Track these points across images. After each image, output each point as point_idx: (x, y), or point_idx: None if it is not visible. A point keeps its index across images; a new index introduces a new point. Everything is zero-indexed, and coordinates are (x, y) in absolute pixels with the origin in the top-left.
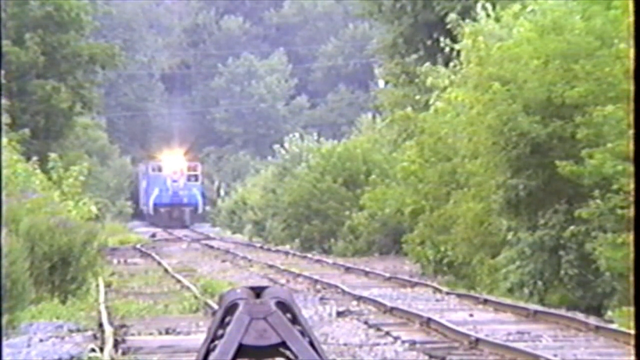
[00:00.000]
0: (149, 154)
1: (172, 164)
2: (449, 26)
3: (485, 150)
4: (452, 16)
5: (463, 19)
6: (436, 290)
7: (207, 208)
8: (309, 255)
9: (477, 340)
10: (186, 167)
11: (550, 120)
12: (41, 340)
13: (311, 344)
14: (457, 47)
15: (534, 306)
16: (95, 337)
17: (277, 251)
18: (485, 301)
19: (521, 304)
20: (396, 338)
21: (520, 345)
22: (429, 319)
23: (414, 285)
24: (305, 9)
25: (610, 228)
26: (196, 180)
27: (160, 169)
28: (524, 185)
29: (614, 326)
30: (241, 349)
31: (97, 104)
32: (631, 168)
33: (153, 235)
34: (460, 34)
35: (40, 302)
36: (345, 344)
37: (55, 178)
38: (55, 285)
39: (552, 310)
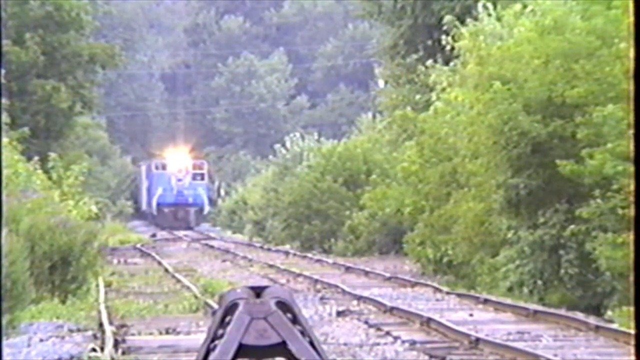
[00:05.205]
0: (152, 152)
1: (177, 162)
2: (445, 27)
3: (486, 150)
4: (448, 18)
5: (463, 19)
6: (436, 290)
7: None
8: (309, 255)
9: (477, 340)
10: (191, 165)
11: (551, 119)
12: (41, 340)
13: (311, 343)
14: (457, 44)
15: (534, 306)
16: (95, 337)
17: (278, 251)
18: (486, 301)
19: (521, 303)
20: (396, 338)
21: (520, 345)
22: (429, 319)
23: (414, 285)
24: (305, 9)
25: (610, 228)
26: (202, 179)
27: (164, 167)
28: (524, 184)
29: (614, 326)
30: (241, 349)
31: (97, 103)
32: (631, 168)
33: (153, 235)
34: (457, 34)
35: (41, 302)
36: (345, 344)
37: (55, 178)
38: (55, 285)
39: (552, 310)
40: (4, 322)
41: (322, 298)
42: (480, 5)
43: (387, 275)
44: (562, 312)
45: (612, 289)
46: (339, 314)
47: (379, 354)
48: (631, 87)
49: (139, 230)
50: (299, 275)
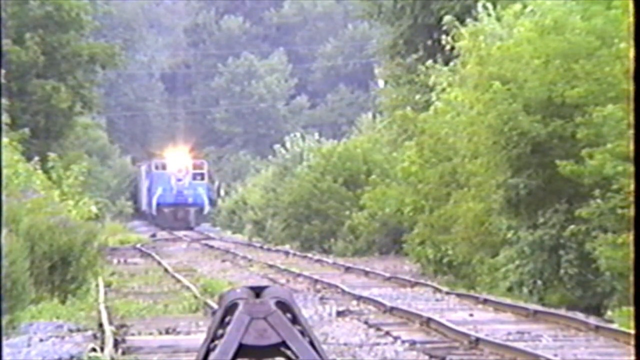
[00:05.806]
0: (152, 152)
1: (177, 162)
2: (444, 27)
3: (486, 150)
4: (448, 18)
5: (463, 19)
6: (436, 290)
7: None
8: (309, 255)
9: (477, 340)
10: (191, 165)
11: (551, 119)
12: (41, 340)
13: (311, 343)
14: (457, 44)
15: (534, 306)
16: (95, 336)
17: (277, 251)
18: (485, 301)
19: (521, 303)
20: (396, 338)
21: (520, 345)
22: (429, 319)
23: (413, 285)
24: (305, 9)
25: (610, 228)
26: (202, 178)
27: (164, 167)
28: (524, 184)
29: (614, 326)
30: (241, 349)
31: (97, 103)
32: (631, 168)
33: (153, 235)
34: (457, 34)
35: (40, 302)
36: (345, 344)
37: (55, 178)
38: (55, 285)
39: (552, 310)
40: (4, 322)
41: (322, 298)
42: (480, 5)
43: (387, 275)
44: (562, 312)
45: (612, 289)
46: (338, 314)
47: (378, 354)
48: (631, 87)
49: (139, 230)
50: (299, 275)
